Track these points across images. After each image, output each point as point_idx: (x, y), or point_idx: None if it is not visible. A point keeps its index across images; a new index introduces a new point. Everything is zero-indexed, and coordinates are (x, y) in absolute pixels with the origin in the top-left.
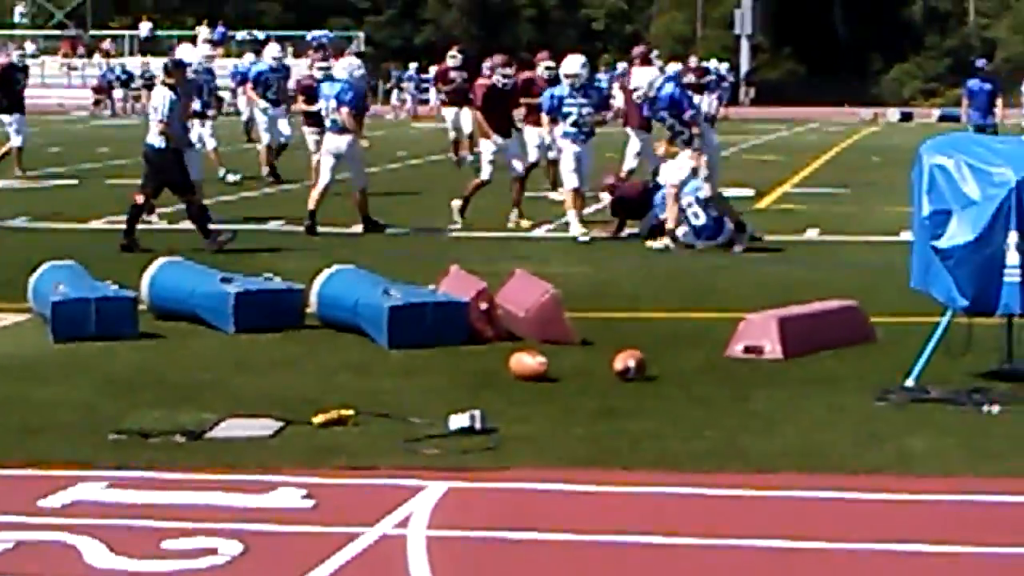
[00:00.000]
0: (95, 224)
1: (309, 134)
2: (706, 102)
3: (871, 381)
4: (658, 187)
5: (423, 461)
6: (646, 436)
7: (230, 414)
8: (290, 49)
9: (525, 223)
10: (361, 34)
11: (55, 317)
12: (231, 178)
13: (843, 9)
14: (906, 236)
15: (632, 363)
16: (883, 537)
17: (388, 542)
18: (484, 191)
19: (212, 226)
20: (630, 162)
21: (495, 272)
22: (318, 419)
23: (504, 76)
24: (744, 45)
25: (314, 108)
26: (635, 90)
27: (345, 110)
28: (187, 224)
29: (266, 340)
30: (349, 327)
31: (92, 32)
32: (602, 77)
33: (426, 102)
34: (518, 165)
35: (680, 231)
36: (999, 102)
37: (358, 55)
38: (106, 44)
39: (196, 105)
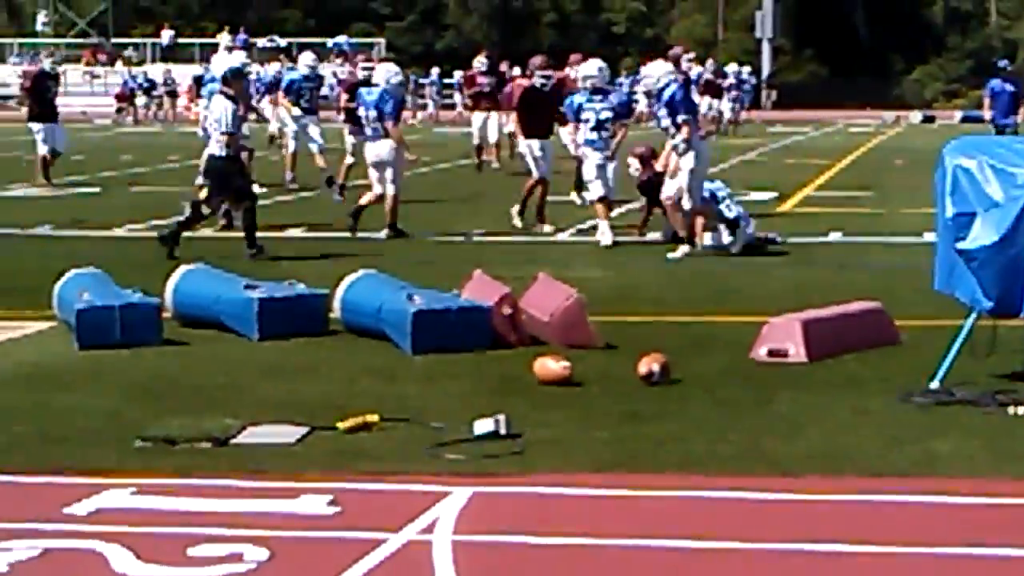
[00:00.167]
0: (118, 232)
1: (348, 134)
2: (726, 106)
3: (895, 383)
4: None
5: (448, 466)
6: (670, 439)
7: (255, 420)
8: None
9: (548, 228)
10: (382, 40)
11: (80, 324)
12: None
13: (864, 11)
14: (929, 238)
15: (656, 367)
16: (909, 540)
17: (413, 548)
18: (507, 195)
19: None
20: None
21: (518, 276)
22: (343, 425)
23: (544, 77)
24: (765, 48)
25: (353, 106)
26: (645, 78)
27: (390, 124)
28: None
29: (290, 346)
30: (373, 332)
31: (114, 40)
32: (623, 81)
33: (450, 107)
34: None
35: (706, 237)
36: (1023, 102)
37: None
38: (128, 52)
39: None
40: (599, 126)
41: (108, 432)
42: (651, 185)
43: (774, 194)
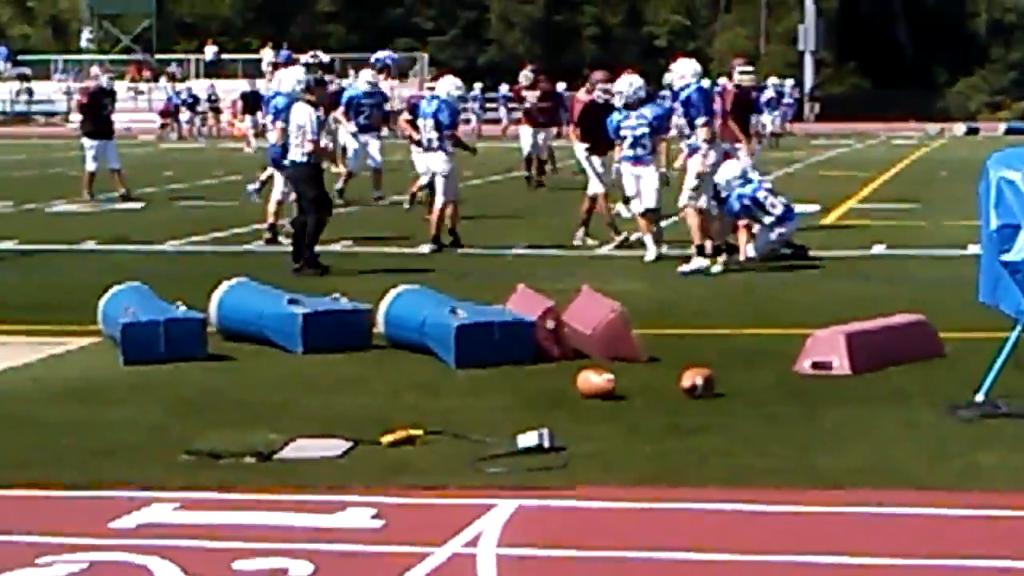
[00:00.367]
0: (163, 247)
1: (415, 153)
2: (767, 119)
3: (941, 396)
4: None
5: (492, 480)
6: (715, 453)
7: (299, 434)
8: (352, 72)
9: (592, 241)
10: (425, 55)
11: (125, 339)
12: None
13: (907, 23)
14: (974, 250)
15: (700, 380)
16: (955, 553)
17: (458, 561)
18: (550, 209)
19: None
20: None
21: (562, 290)
22: (387, 439)
23: (605, 92)
24: (808, 60)
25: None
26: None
27: (448, 133)
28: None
29: (334, 360)
30: (416, 347)
31: (158, 56)
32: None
33: (494, 121)
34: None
35: (749, 248)
36: None
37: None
38: (172, 68)
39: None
40: (635, 143)
41: (153, 447)
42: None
43: (817, 207)
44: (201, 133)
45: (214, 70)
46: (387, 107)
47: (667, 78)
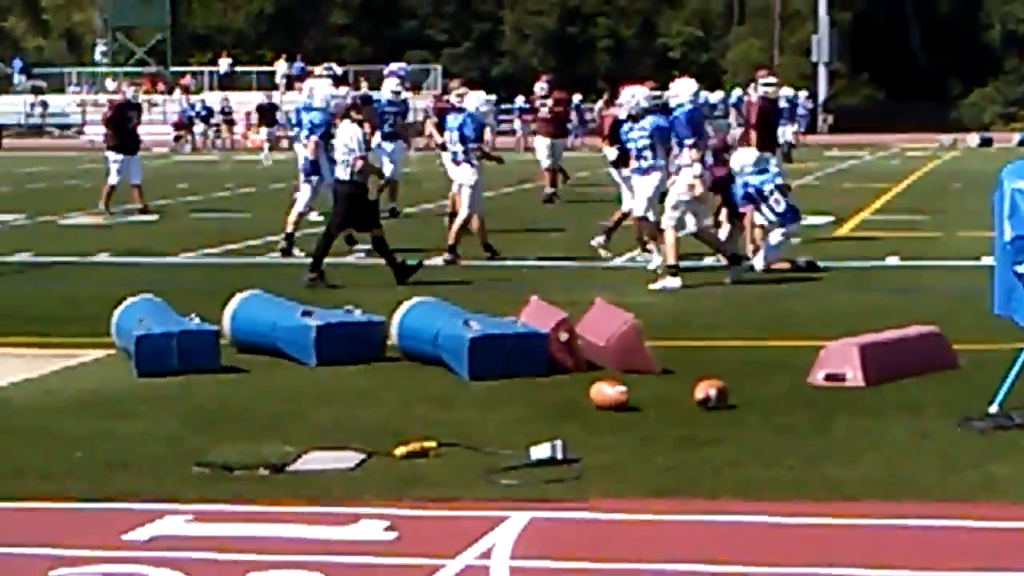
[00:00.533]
0: (177, 259)
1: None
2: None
3: (954, 408)
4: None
5: (505, 492)
6: (728, 465)
7: (312, 446)
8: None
9: (605, 253)
10: (439, 67)
11: (138, 351)
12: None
13: (921, 34)
14: (988, 261)
15: (713, 392)
16: (969, 565)
17: (471, 573)
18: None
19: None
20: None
21: (575, 302)
22: (400, 451)
23: None
24: (822, 72)
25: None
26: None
27: (473, 146)
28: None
29: (347, 372)
30: (430, 359)
31: (172, 69)
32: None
33: (508, 133)
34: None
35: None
36: None
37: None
38: (186, 80)
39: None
40: (639, 154)
41: (166, 459)
42: (723, 182)
43: (831, 218)
44: (215, 145)
45: (228, 82)
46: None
47: (665, 96)
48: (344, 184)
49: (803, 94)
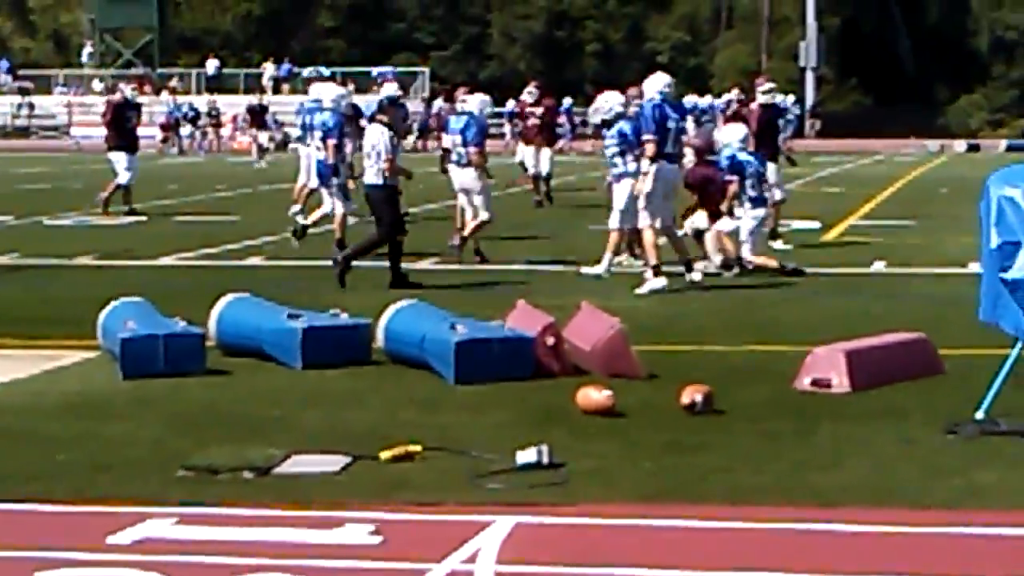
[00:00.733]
0: (163, 261)
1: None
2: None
3: (940, 414)
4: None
5: (491, 496)
6: (714, 470)
7: (297, 450)
8: (351, 86)
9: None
10: (427, 70)
11: (124, 354)
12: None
13: (908, 40)
14: (974, 268)
15: (699, 397)
16: (953, 571)
17: None
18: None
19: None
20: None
21: (561, 306)
22: (385, 454)
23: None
24: (809, 77)
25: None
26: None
27: (473, 149)
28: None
29: (333, 376)
30: (416, 362)
31: (159, 70)
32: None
33: (499, 136)
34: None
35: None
36: None
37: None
38: (173, 82)
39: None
40: (611, 162)
41: (151, 461)
42: (703, 181)
43: (818, 224)
44: (202, 147)
45: (216, 84)
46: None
47: (596, 109)
48: (379, 189)
49: (790, 99)
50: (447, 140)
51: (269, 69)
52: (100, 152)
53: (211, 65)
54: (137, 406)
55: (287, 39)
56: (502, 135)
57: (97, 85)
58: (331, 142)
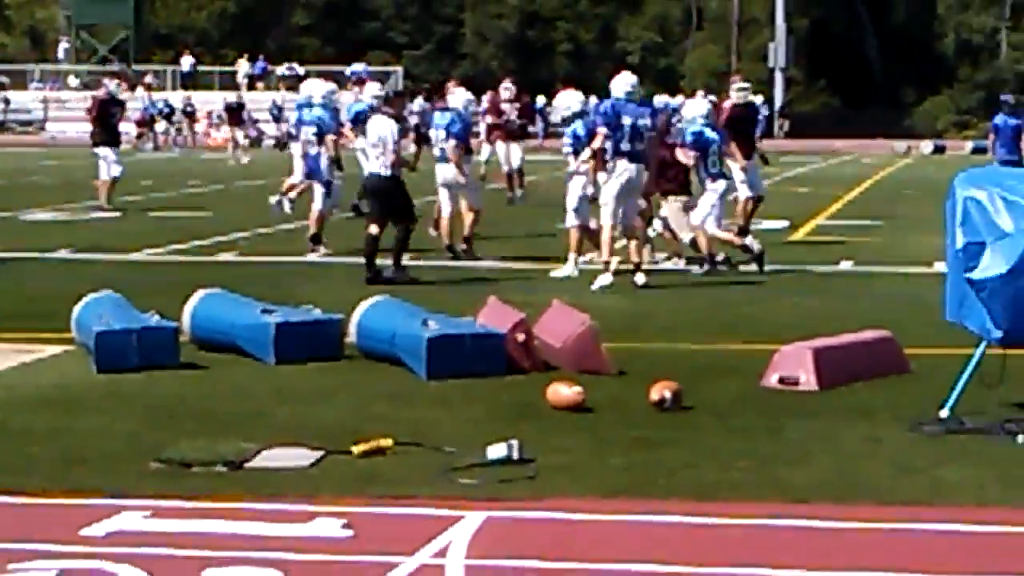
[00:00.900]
0: (137, 256)
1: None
2: None
3: (906, 412)
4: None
5: (461, 491)
6: (682, 466)
7: (270, 444)
8: (318, 81)
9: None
10: (400, 68)
11: (98, 348)
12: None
13: (876, 42)
14: (940, 268)
15: (668, 393)
16: (917, 568)
17: (426, 572)
18: (521, 222)
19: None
20: (743, 191)
21: (533, 303)
22: (357, 449)
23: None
24: (778, 78)
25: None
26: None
27: (452, 143)
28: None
29: (306, 370)
30: (388, 358)
31: (135, 67)
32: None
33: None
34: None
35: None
36: None
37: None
38: (148, 78)
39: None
40: (566, 159)
41: (125, 455)
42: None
43: (786, 223)
44: (176, 143)
45: (191, 81)
46: None
47: (557, 109)
48: (386, 180)
49: (759, 99)
50: (433, 136)
51: (244, 66)
52: (75, 147)
53: (186, 62)
54: (111, 399)
55: (262, 37)
56: (477, 133)
57: (73, 81)
58: (330, 137)
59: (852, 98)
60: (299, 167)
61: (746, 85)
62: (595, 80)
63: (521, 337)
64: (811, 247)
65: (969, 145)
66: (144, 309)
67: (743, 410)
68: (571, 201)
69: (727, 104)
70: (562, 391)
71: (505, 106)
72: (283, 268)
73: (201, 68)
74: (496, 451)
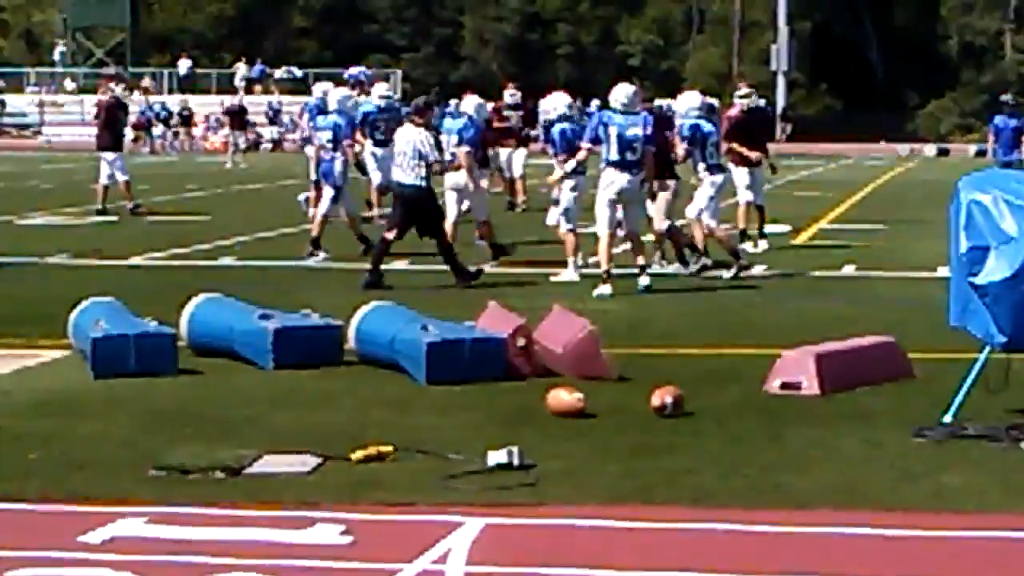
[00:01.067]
0: (135, 261)
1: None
2: None
3: (908, 417)
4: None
5: (461, 497)
6: (683, 472)
7: (268, 450)
8: (329, 85)
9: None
10: (399, 71)
11: (95, 353)
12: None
13: (879, 45)
14: (943, 272)
15: (669, 399)
16: (920, 574)
17: None
18: (522, 227)
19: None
20: (743, 194)
21: (533, 308)
22: (356, 455)
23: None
24: (781, 81)
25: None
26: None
27: (464, 149)
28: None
29: (304, 376)
30: (387, 363)
31: (132, 70)
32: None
33: None
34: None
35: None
36: None
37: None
38: (145, 82)
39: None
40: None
41: (122, 461)
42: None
43: (788, 227)
44: (173, 147)
45: (188, 84)
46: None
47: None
48: (419, 190)
49: (761, 103)
50: (444, 141)
51: (241, 69)
52: (71, 151)
53: (183, 65)
54: (108, 406)
55: (259, 40)
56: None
57: (69, 84)
58: (347, 143)
59: (855, 101)
60: (313, 170)
61: (749, 91)
62: (596, 83)
63: (521, 342)
64: (814, 251)
65: (973, 148)
66: (141, 314)
67: (744, 416)
68: (562, 204)
69: (732, 112)
70: (562, 397)
71: (509, 112)
72: (282, 272)
73: (198, 71)
74: (496, 457)
